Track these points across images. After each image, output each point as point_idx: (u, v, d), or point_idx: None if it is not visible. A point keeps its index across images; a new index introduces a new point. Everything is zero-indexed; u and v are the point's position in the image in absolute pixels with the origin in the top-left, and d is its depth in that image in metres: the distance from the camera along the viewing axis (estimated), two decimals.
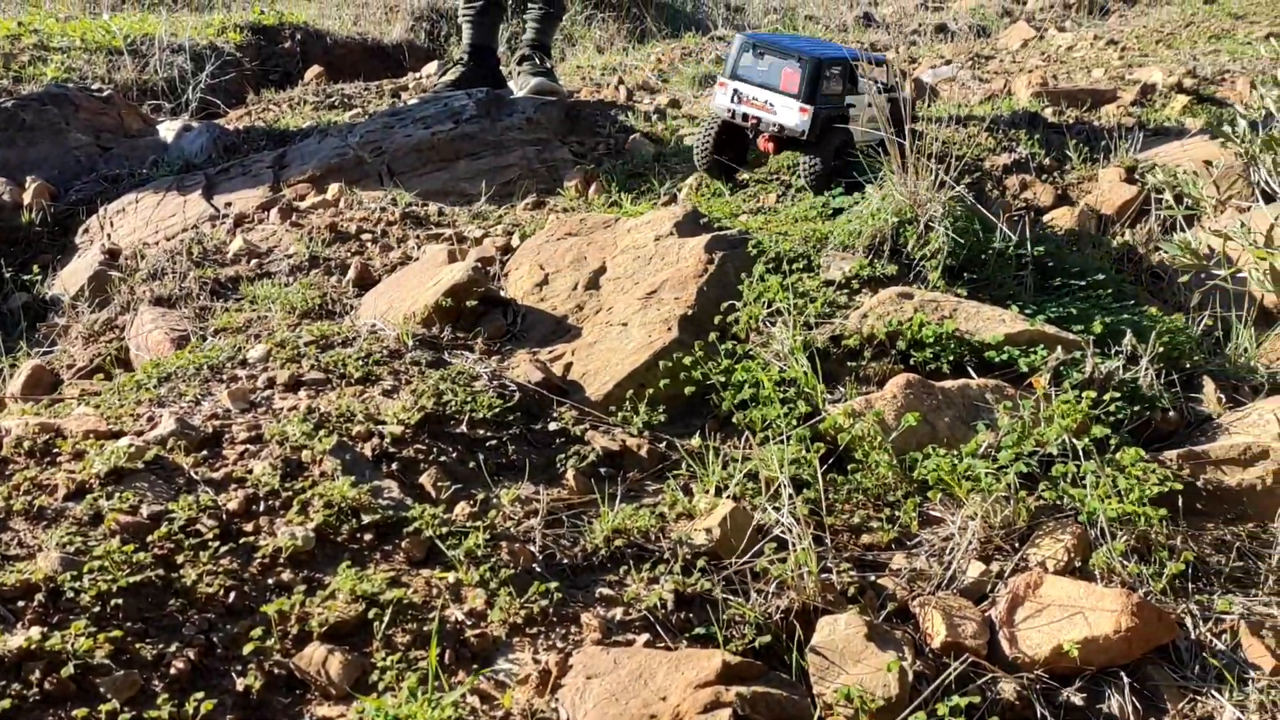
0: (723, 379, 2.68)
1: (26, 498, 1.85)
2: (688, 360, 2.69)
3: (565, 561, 2.07)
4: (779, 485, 2.28)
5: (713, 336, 2.79)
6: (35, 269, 3.89)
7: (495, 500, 2.18)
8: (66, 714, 1.48)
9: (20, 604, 1.62)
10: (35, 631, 1.55)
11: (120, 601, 1.65)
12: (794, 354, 2.69)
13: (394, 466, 2.20)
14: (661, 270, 3.04)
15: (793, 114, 3.44)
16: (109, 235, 4.07)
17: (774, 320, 2.85)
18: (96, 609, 1.64)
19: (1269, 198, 2.74)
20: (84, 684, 1.52)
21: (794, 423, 2.55)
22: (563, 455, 2.41)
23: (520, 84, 5.04)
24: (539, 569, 2.02)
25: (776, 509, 2.25)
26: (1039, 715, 1.95)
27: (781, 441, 2.48)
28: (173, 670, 1.59)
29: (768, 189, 3.72)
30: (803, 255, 3.10)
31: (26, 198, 4.25)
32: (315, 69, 7.12)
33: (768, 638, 1.96)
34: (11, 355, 3.25)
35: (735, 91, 3.56)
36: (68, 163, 4.63)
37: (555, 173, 4.31)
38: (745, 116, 3.54)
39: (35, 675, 1.50)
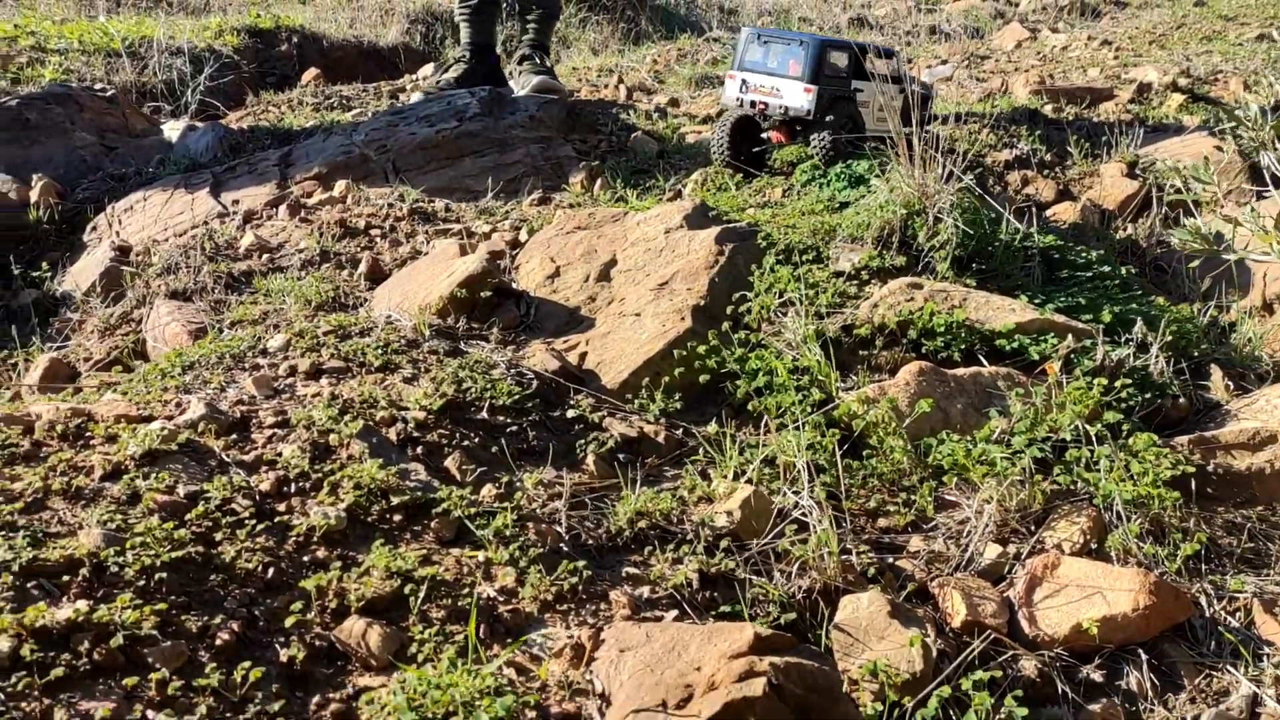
0: (737, 367, 2.71)
1: (63, 479, 1.87)
2: (702, 349, 2.72)
3: (590, 542, 2.10)
4: (797, 470, 2.31)
5: (725, 326, 2.82)
6: (44, 266, 3.90)
7: (519, 484, 2.21)
8: (116, 683, 1.50)
9: (65, 578, 1.64)
10: (82, 604, 1.57)
11: (164, 576, 1.67)
12: (806, 343, 2.73)
13: (419, 450, 2.23)
14: (673, 262, 3.07)
15: (798, 95, 3.54)
16: (118, 233, 4.08)
17: (785, 310, 2.89)
18: (141, 583, 1.66)
19: (1279, 183, 2.78)
20: (132, 655, 1.54)
21: (808, 409, 2.58)
22: (582, 441, 2.44)
23: (521, 83, 5.07)
24: (566, 549, 2.04)
25: (795, 493, 2.28)
26: (1060, 691, 1.98)
27: (797, 428, 2.51)
28: (218, 641, 1.61)
29: (774, 184, 3.76)
30: (812, 247, 3.14)
31: (33, 196, 4.26)
32: (312, 71, 7.14)
33: (792, 615, 1.99)
34: (24, 350, 3.25)
35: (743, 81, 3.66)
36: (73, 162, 4.63)
37: (559, 169, 4.34)
38: (753, 104, 3.65)
39: (84, 646, 1.52)
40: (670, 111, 5.17)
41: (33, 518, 1.76)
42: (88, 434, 2.02)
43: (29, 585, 1.61)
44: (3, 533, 1.70)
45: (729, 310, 2.89)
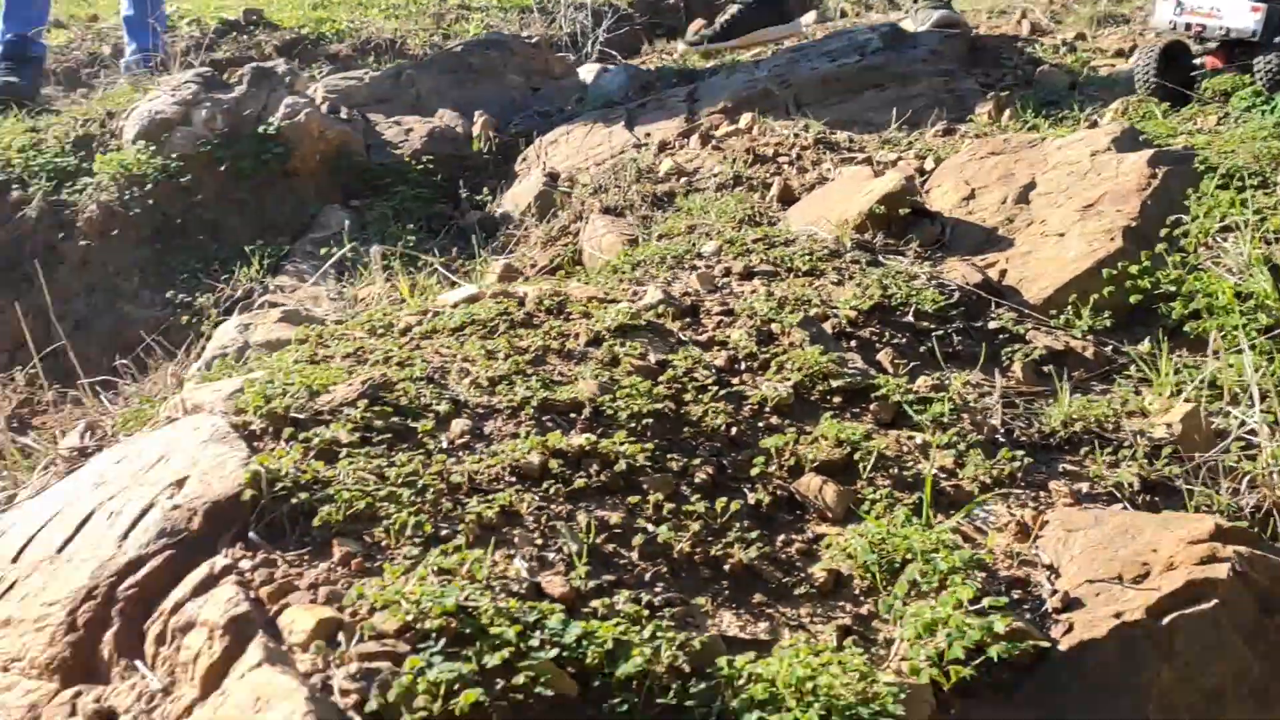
0: (1172, 289, 2.61)
1: (556, 342, 2.16)
2: (1134, 269, 2.64)
3: (1023, 439, 2.13)
4: (1244, 392, 2.21)
5: (1160, 248, 2.72)
6: (485, 191, 4.39)
7: (948, 381, 2.27)
8: (621, 500, 1.74)
9: (571, 416, 1.92)
10: (589, 436, 1.83)
11: (648, 422, 1.91)
12: (1254, 265, 2.58)
13: (852, 344, 2.35)
14: (1099, 185, 2.99)
15: (1243, 14, 3.28)
16: (545, 162, 4.51)
17: (1225, 235, 2.74)
18: (631, 425, 1.90)
19: None
20: (629, 481, 1.78)
21: (1253, 335, 2.45)
22: (1007, 350, 2.47)
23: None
24: (1002, 440, 2.09)
25: (1243, 413, 2.19)
26: None
27: (1239, 351, 2.39)
28: (697, 479, 1.82)
29: (1206, 111, 3.52)
30: (1257, 173, 2.94)
31: (475, 130, 4.79)
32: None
33: (1244, 524, 1.93)
34: (478, 259, 3.70)
35: (1178, 2, 3.44)
36: (505, 101, 5.15)
37: (962, 102, 4.29)
38: (1188, 26, 3.43)
39: (594, 468, 1.78)
40: (1079, 45, 4.95)
41: (538, 369, 2.06)
42: (567, 310, 2.31)
43: (544, 419, 1.90)
44: (520, 376, 2.00)
45: (1162, 233, 2.78)
